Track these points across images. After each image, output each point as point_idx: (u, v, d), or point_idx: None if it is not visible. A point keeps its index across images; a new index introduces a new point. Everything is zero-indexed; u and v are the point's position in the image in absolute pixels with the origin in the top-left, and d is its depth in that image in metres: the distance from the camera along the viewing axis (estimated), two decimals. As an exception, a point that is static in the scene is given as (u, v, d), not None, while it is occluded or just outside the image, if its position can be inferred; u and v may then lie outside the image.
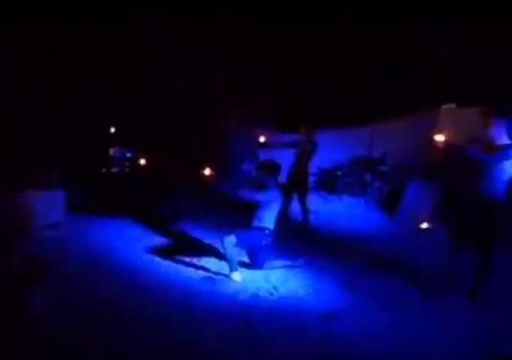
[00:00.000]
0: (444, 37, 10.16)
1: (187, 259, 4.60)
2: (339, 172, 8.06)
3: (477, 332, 3.11)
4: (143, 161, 5.99)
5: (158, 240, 5.35)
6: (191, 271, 4.32)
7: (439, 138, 3.85)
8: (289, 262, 4.56)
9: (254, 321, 3.28)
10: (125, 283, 3.94)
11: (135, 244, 5.11)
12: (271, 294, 3.81)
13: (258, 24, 10.21)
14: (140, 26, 9.77)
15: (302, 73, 10.78)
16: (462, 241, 3.68)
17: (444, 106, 7.85)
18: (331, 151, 7.77)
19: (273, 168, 4.47)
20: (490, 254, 3.60)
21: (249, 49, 10.18)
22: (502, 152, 3.42)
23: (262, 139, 6.05)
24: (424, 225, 6.34)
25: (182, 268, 4.39)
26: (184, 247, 5.09)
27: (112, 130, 9.66)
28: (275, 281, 4.10)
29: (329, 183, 7.93)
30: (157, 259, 4.63)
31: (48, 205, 3.52)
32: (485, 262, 3.63)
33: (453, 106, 7.86)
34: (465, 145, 3.64)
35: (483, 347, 2.89)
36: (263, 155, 6.84)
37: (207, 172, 4.41)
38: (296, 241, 5.52)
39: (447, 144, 3.85)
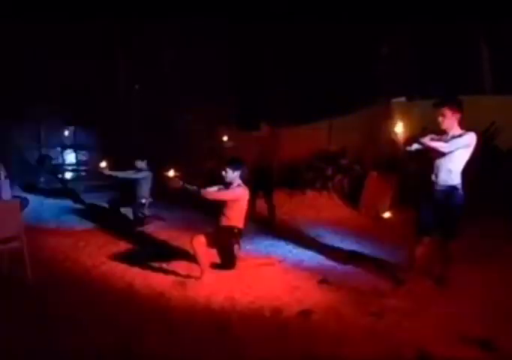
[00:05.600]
0: (386, 38, 10.62)
1: (155, 264, 4.43)
2: (302, 167, 8.12)
3: (446, 316, 3.21)
4: (103, 164, 5.70)
5: (123, 246, 5.13)
6: (161, 276, 4.15)
7: (398, 129, 3.92)
8: (262, 259, 4.51)
9: (231, 324, 3.17)
10: (88, 294, 3.72)
11: (98, 252, 4.88)
12: (246, 294, 3.72)
13: (217, 25, 10.18)
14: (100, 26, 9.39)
15: (260, 73, 10.88)
16: (424, 229, 3.78)
17: (394, 100, 8.09)
18: (292, 146, 7.82)
19: (239, 165, 4.38)
20: (452, 241, 3.73)
21: (209, 49, 10.12)
22: (457, 141, 3.55)
23: (225, 137, 6.01)
24: (386, 214, 6.53)
25: (150, 274, 4.20)
26: (151, 252, 4.92)
27: (66, 133, 9.18)
28: (249, 280, 4.01)
29: (292, 178, 7.97)
30: (123, 266, 4.43)
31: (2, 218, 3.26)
32: (449, 249, 3.75)
33: (403, 99, 8.13)
34: (422, 135, 3.73)
35: (451, 331, 2.97)
36: (227, 153, 6.76)
37: (171, 173, 4.23)
38: (265, 236, 5.51)
39: (406, 135, 3.92)
